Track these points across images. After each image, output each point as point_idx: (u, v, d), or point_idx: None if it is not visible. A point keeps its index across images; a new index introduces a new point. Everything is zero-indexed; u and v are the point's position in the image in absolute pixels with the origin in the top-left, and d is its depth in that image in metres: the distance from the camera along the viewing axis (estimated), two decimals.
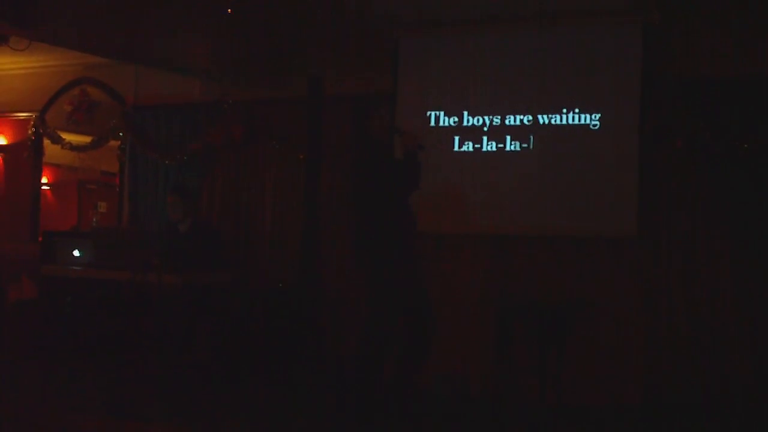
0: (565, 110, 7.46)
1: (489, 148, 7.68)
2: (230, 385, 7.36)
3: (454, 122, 7.81)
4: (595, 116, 7.37)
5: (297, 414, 6.63)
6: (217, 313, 7.61)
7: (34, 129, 9.93)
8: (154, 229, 8.85)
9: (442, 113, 7.86)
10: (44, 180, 10.72)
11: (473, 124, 7.73)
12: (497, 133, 7.65)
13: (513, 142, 7.60)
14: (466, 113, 7.77)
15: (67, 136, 9.81)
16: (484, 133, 7.70)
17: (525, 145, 7.55)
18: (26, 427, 6.31)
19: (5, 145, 10.35)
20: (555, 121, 7.48)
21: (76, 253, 7.91)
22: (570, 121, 7.44)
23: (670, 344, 7.11)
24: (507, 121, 7.63)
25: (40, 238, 9.56)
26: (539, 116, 7.53)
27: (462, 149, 7.76)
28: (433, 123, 7.89)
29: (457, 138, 7.78)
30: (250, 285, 8.29)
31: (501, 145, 7.64)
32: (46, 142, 9.97)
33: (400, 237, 5.95)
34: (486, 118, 7.70)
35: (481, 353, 7.55)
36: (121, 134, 9.50)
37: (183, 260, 7.38)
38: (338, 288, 8.19)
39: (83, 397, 6.85)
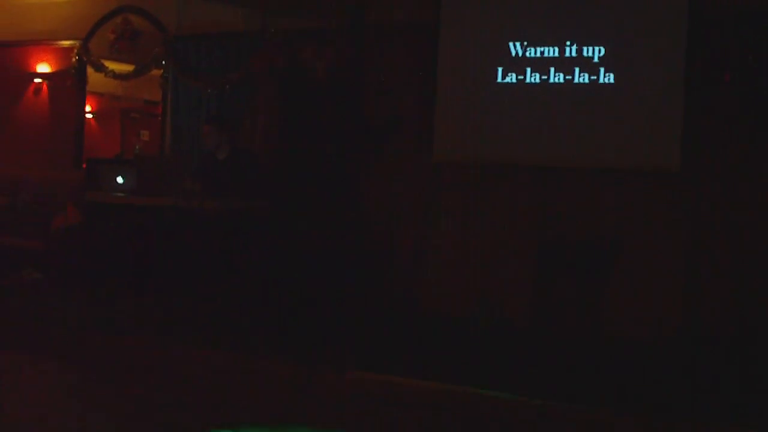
0: (611, 42, 7.35)
1: (533, 80, 7.60)
2: (270, 312, 7.43)
3: (498, 53, 7.72)
4: (642, 48, 7.25)
5: (340, 342, 6.70)
6: (257, 239, 7.66)
7: (77, 57, 9.95)
8: (194, 157, 8.90)
9: (485, 44, 7.78)
10: (87, 108, 10.78)
11: (517, 55, 7.65)
12: (541, 65, 7.57)
13: (557, 74, 7.51)
14: (510, 44, 7.67)
15: (110, 65, 9.81)
16: (528, 65, 7.61)
17: (569, 77, 7.47)
18: (72, 346, 6.46)
19: (49, 73, 10.41)
20: (600, 53, 7.37)
21: (119, 180, 7.99)
22: (616, 53, 7.33)
23: (711, 280, 7.08)
24: (551, 53, 7.54)
25: (84, 166, 9.65)
26: (584, 48, 7.43)
27: (505, 80, 7.69)
28: (476, 54, 7.81)
29: (500, 69, 7.70)
30: (290, 213, 8.32)
31: (545, 77, 7.56)
32: (89, 70, 10.00)
33: None
34: (530, 49, 7.61)
35: (523, 285, 7.57)
36: (163, 63, 9.49)
37: (221, 187, 7.44)
38: (380, 219, 8.22)
39: (124, 321, 6.98)
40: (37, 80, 10.44)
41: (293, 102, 8.66)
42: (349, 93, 8.25)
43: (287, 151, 8.66)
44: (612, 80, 7.35)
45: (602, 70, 7.39)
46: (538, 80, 7.58)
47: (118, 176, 8.02)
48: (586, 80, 7.42)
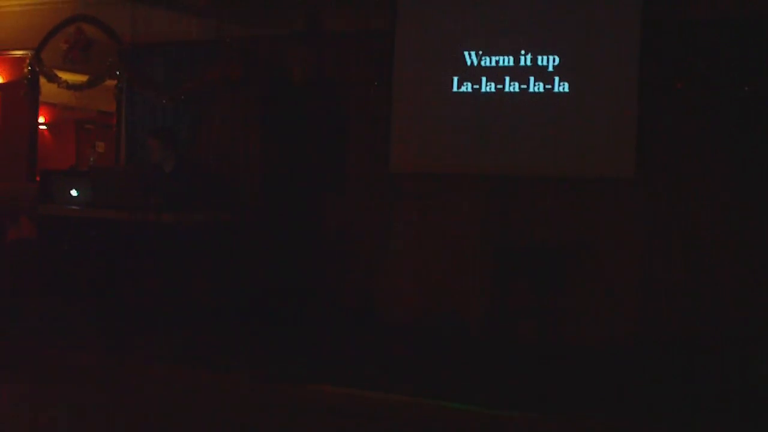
0: (565, 51, 7.40)
1: (488, 89, 7.62)
2: (228, 325, 7.38)
3: (453, 63, 7.74)
4: (596, 57, 7.31)
5: (298, 354, 6.68)
6: (214, 251, 7.61)
7: (30, 67, 9.79)
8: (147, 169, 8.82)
9: (441, 53, 7.79)
10: (41, 119, 10.63)
11: (472, 65, 7.67)
12: (496, 74, 7.60)
13: (512, 83, 7.55)
14: (465, 54, 7.70)
15: (64, 75, 9.68)
16: (484, 74, 7.64)
17: (524, 86, 7.51)
18: (24, 362, 6.37)
19: (1, 84, 10.26)
20: (555, 62, 7.42)
21: (73, 192, 7.90)
22: (569, 62, 7.38)
23: (666, 287, 7.14)
24: (506, 62, 7.57)
25: (37, 178, 9.52)
26: (539, 57, 7.47)
27: (461, 90, 7.70)
28: (431, 63, 7.82)
29: (456, 78, 7.72)
30: (247, 224, 8.27)
31: (500, 86, 7.59)
32: (43, 80, 9.84)
33: None
34: (485, 58, 7.64)
35: (480, 293, 7.59)
36: (117, 73, 9.38)
37: (170, 199, 7.40)
38: (337, 227, 8.21)
39: (81, 335, 6.90)
40: None
41: (253, 112, 8.62)
42: (308, 100, 8.23)
43: (248, 162, 8.62)
44: (566, 89, 7.40)
45: (557, 79, 7.44)
46: (493, 89, 7.61)
47: (72, 188, 7.93)
48: (541, 89, 7.46)
